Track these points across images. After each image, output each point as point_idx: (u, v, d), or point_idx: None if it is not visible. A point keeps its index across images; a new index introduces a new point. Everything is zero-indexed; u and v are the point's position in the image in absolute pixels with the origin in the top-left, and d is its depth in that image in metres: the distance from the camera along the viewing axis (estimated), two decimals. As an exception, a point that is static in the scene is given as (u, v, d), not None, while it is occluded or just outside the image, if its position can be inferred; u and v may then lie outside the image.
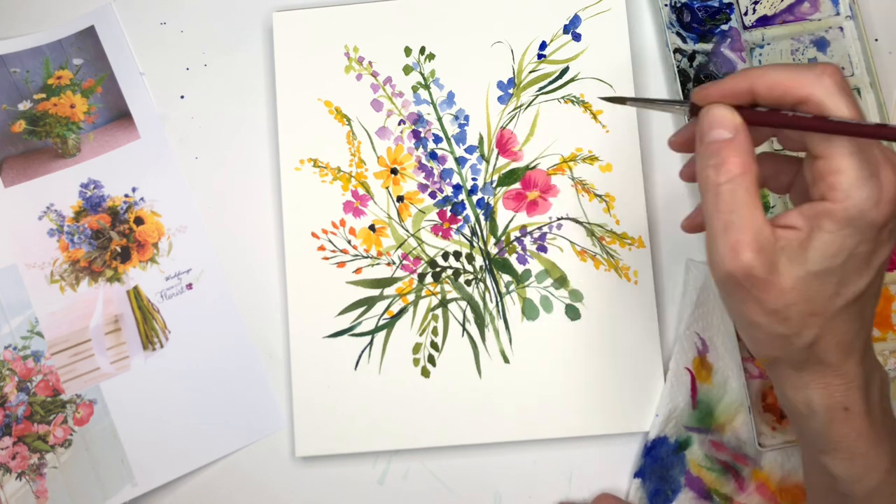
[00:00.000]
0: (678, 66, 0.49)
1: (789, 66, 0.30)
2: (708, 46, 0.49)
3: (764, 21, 0.50)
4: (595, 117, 0.49)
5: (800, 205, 0.30)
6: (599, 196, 0.48)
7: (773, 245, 0.29)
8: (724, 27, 0.50)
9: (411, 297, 0.48)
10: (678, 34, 0.49)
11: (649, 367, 0.47)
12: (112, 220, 0.50)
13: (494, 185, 0.49)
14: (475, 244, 0.48)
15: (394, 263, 0.48)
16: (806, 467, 0.37)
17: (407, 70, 0.49)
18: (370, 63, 0.50)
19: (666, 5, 0.50)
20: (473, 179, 0.49)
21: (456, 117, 0.49)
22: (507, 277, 0.48)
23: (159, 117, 0.51)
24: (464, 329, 0.48)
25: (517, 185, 0.48)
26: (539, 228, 0.48)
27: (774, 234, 0.30)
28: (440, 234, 0.48)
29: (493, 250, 0.48)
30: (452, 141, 0.49)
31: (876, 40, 0.50)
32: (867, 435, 0.32)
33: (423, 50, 0.50)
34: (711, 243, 0.30)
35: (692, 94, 0.32)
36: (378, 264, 0.48)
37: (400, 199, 0.49)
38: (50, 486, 0.48)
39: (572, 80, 0.49)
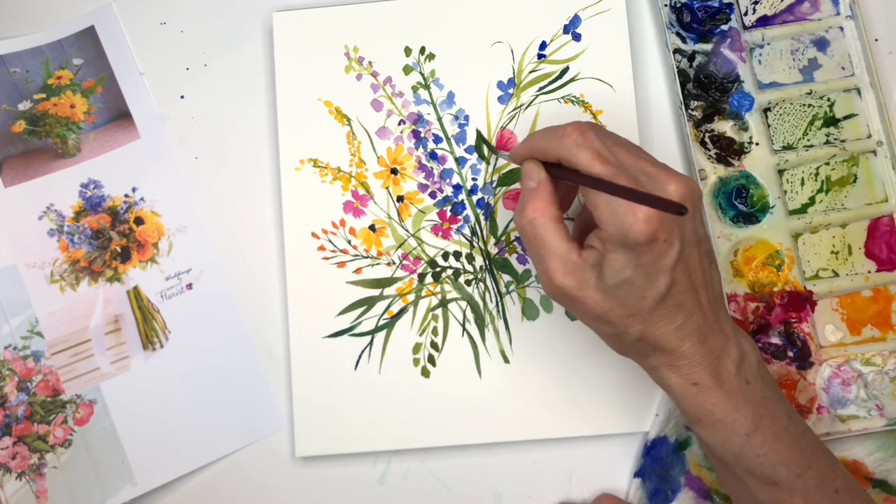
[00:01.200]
0: (678, 66, 0.49)
1: (544, 132, 0.38)
2: (708, 46, 0.49)
3: (764, 21, 0.50)
4: (595, 117, 0.49)
5: (596, 230, 0.37)
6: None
7: (581, 266, 0.36)
8: (724, 27, 0.50)
9: (411, 297, 0.48)
10: (678, 34, 0.50)
11: (649, 367, 0.47)
12: (112, 220, 0.50)
13: (494, 185, 0.49)
14: (475, 244, 0.48)
15: (394, 263, 0.48)
16: None
17: (407, 70, 0.49)
18: (370, 63, 0.50)
19: (666, 5, 0.50)
20: (473, 179, 0.49)
21: (456, 117, 0.49)
22: (507, 277, 0.48)
23: (159, 117, 0.51)
24: (464, 329, 0.48)
25: (517, 185, 0.48)
26: (539, 228, 0.48)
27: (582, 256, 0.36)
28: (440, 234, 0.48)
29: (493, 250, 0.48)
30: (452, 141, 0.49)
31: (876, 40, 0.50)
32: (722, 405, 0.37)
33: (423, 50, 0.50)
34: (537, 271, 0.38)
35: (510, 154, 0.41)
36: (378, 264, 0.48)
37: (400, 199, 0.49)
38: (50, 486, 0.48)
39: (572, 80, 0.49)
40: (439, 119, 0.49)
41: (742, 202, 0.48)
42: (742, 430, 0.37)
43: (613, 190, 0.34)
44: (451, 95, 0.49)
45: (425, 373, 0.47)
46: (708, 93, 0.49)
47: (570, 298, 0.37)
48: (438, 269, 0.48)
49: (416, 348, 0.47)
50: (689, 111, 0.49)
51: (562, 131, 0.37)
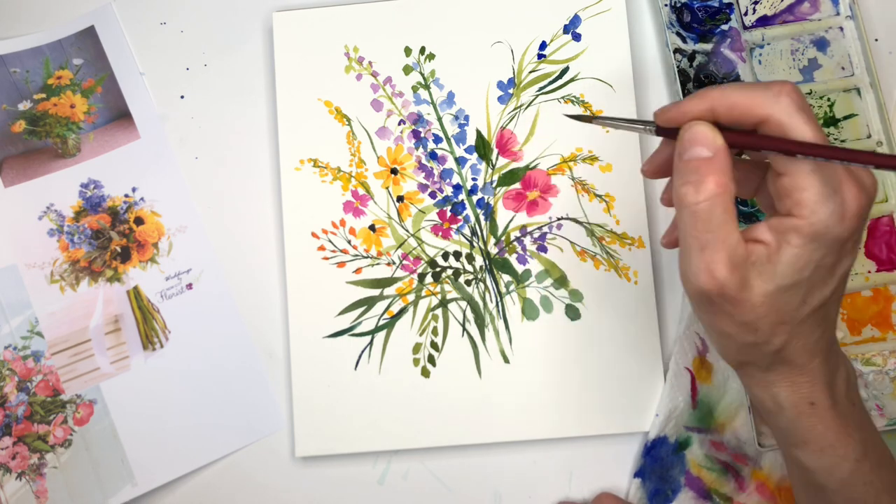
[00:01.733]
0: (678, 66, 0.49)
1: (747, 86, 0.30)
2: (708, 46, 0.49)
3: (764, 21, 0.50)
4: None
5: (767, 218, 0.31)
6: (599, 196, 0.48)
7: (745, 261, 0.30)
8: (724, 27, 0.50)
9: (411, 297, 0.48)
10: (678, 34, 0.50)
11: (649, 367, 0.47)
12: (112, 220, 0.50)
13: (494, 185, 0.49)
14: (475, 244, 0.48)
15: (394, 263, 0.48)
16: (786, 464, 0.38)
17: (407, 70, 0.49)
18: (370, 63, 0.50)
19: (666, 5, 0.50)
20: (473, 179, 0.49)
21: (456, 117, 0.49)
22: (507, 277, 0.48)
23: (159, 117, 0.51)
24: (464, 329, 0.48)
25: (517, 185, 0.48)
26: (539, 228, 0.48)
27: (746, 250, 0.30)
28: (440, 234, 0.48)
29: (493, 250, 0.48)
30: (452, 141, 0.49)
31: (876, 40, 0.50)
32: (834, 427, 0.33)
33: (423, 50, 0.50)
34: (686, 260, 0.31)
35: (655, 115, 0.33)
36: (378, 264, 0.48)
37: (400, 199, 0.49)
38: (50, 486, 0.48)
39: (572, 80, 0.49)
40: (439, 119, 0.49)
41: (742, 202, 0.48)
42: (853, 455, 0.34)
43: (861, 157, 0.27)
44: (451, 95, 0.49)
45: (425, 373, 0.47)
46: (708, 93, 0.49)
47: (723, 299, 0.30)
48: (438, 269, 0.48)
49: (416, 348, 0.47)
50: (689, 111, 0.49)
51: (777, 88, 0.30)
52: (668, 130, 0.32)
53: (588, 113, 0.49)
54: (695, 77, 0.49)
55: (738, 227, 0.30)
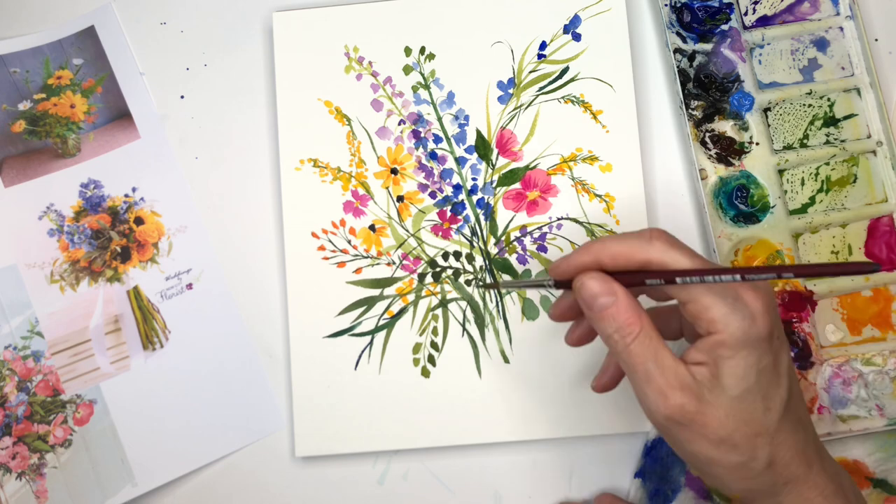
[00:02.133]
0: (678, 66, 0.49)
1: (622, 237, 0.33)
2: (708, 46, 0.49)
3: (764, 21, 0.50)
4: (595, 117, 0.49)
5: (694, 343, 0.33)
6: (599, 196, 0.48)
7: (693, 381, 0.32)
8: (724, 27, 0.50)
9: (411, 297, 0.48)
10: (678, 34, 0.49)
11: (649, 367, 0.47)
12: (112, 220, 0.50)
13: (494, 185, 0.49)
14: (475, 244, 0.48)
15: (394, 263, 0.48)
16: None
17: (407, 70, 0.49)
18: (370, 63, 0.50)
19: (666, 5, 0.50)
20: (473, 179, 0.49)
21: (456, 117, 0.49)
22: (507, 277, 0.48)
23: (159, 117, 0.51)
24: (464, 329, 0.48)
25: (517, 185, 0.48)
26: (539, 228, 0.48)
27: (689, 371, 0.32)
28: (440, 234, 0.48)
29: (493, 250, 0.48)
30: (452, 141, 0.49)
31: (876, 40, 0.50)
32: None
33: (423, 50, 0.50)
34: (641, 395, 0.33)
35: (548, 271, 0.36)
36: (378, 264, 0.48)
37: (400, 199, 0.49)
38: (50, 486, 0.48)
39: (572, 80, 0.49)
40: (439, 119, 0.49)
41: (742, 202, 0.48)
42: None
43: (758, 272, 0.30)
44: (451, 95, 0.49)
45: (425, 373, 0.47)
46: (708, 93, 0.49)
47: (688, 421, 0.32)
48: (438, 269, 0.48)
49: (416, 348, 0.47)
50: (690, 111, 0.49)
51: (648, 234, 0.33)
52: (566, 283, 0.35)
53: (589, 113, 0.49)
54: (695, 77, 0.49)
55: (671, 352, 0.33)
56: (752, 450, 0.32)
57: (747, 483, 0.33)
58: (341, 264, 0.48)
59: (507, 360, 0.47)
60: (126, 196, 0.50)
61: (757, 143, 0.48)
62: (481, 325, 0.48)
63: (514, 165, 0.49)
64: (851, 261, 0.29)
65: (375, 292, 0.48)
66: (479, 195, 0.49)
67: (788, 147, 0.48)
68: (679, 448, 0.34)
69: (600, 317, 0.34)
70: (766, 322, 0.31)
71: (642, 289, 0.36)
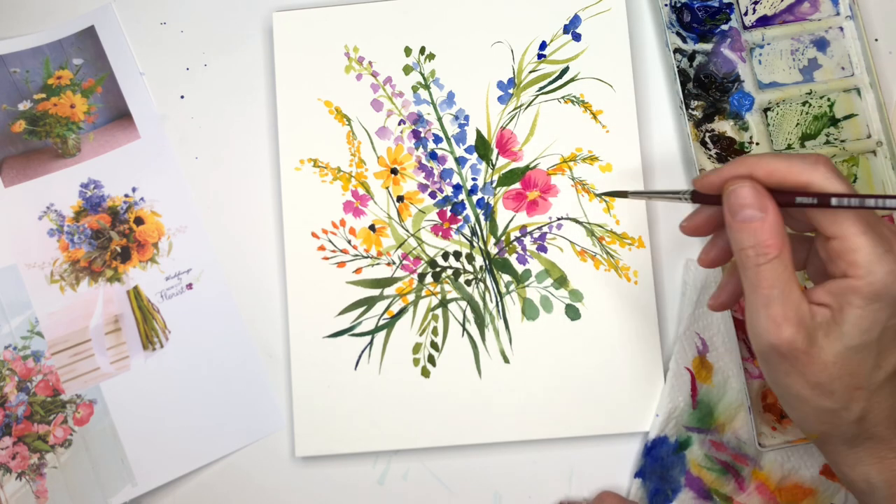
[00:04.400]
0: (678, 66, 0.49)
1: (785, 156, 0.32)
2: (708, 46, 0.49)
3: (764, 21, 0.50)
4: (595, 117, 0.49)
5: (822, 282, 0.31)
6: (599, 196, 0.48)
7: (811, 320, 0.31)
8: (724, 27, 0.50)
9: (411, 297, 0.48)
10: (678, 34, 0.49)
11: (649, 367, 0.47)
12: (112, 220, 0.50)
13: (494, 185, 0.49)
14: (475, 244, 0.48)
15: (394, 263, 0.48)
16: None
17: (407, 70, 0.49)
18: (370, 63, 0.50)
19: (666, 5, 0.50)
20: (473, 179, 0.49)
21: (456, 117, 0.49)
22: (507, 277, 0.48)
23: (159, 117, 0.51)
24: (464, 329, 0.48)
25: (517, 185, 0.48)
26: (539, 228, 0.48)
27: (811, 310, 0.31)
28: (440, 234, 0.48)
29: (493, 250, 0.48)
30: (452, 141, 0.49)
31: (876, 40, 0.50)
32: None
33: (423, 50, 0.50)
34: (753, 317, 0.32)
35: (693, 183, 0.34)
36: (378, 264, 0.48)
37: (400, 199, 0.49)
38: (50, 486, 0.48)
39: (572, 80, 0.49)
40: (439, 119, 0.49)
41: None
42: None
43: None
44: (451, 95, 0.49)
45: (425, 373, 0.47)
46: (708, 92, 0.49)
47: (793, 355, 0.31)
48: (438, 269, 0.48)
49: (416, 348, 0.47)
50: (690, 111, 0.49)
51: (814, 158, 0.31)
52: (706, 197, 0.34)
53: (589, 113, 0.49)
54: (695, 77, 0.49)
55: (800, 286, 0.31)
56: (847, 401, 0.31)
57: (830, 428, 0.33)
58: (341, 264, 0.48)
59: (507, 360, 0.47)
60: (126, 196, 0.50)
61: (757, 143, 0.48)
62: (481, 325, 0.48)
63: (514, 165, 0.49)
64: None
65: (375, 292, 0.48)
66: (479, 195, 0.49)
67: (788, 147, 0.48)
68: (772, 378, 0.33)
69: (742, 227, 0.32)
70: None
71: (787, 212, 0.34)
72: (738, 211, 0.32)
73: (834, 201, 0.29)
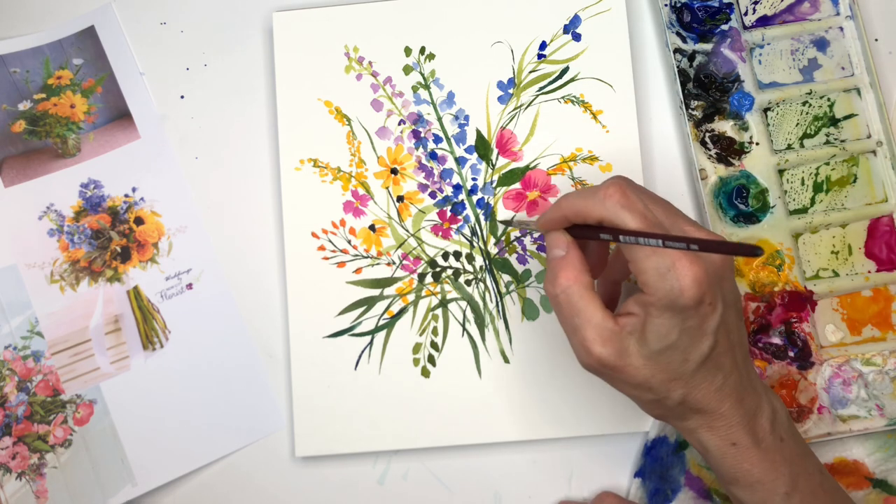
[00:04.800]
0: (678, 66, 0.49)
1: (582, 193, 0.36)
2: (708, 46, 0.49)
3: (764, 21, 0.50)
4: (595, 117, 0.49)
5: (635, 293, 0.36)
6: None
7: (618, 334, 0.35)
8: (724, 27, 0.50)
9: (411, 297, 0.48)
10: (678, 34, 0.49)
11: (649, 367, 0.47)
12: (112, 220, 0.50)
13: (494, 185, 0.49)
14: (475, 244, 0.48)
15: (394, 263, 0.48)
16: (731, 499, 0.41)
17: (407, 70, 0.49)
18: (370, 63, 0.50)
19: (666, 5, 0.50)
20: (473, 179, 0.49)
21: (456, 117, 0.49)
22: (507, 277, 0.48)
23: (159, 117, 0.51)
24: (464, 329, 0.48)
25: (517, 185, 0.48)
26: (539, 228, 0.48)
27: (619, 324, 0.35)
28: (440, 234, 0.48)
29: (493, 250, 0.48)
30: (452, 141, 0.49)
31: (876, 40, 0.50)
32: (760, 464, 0.37)
33: (423, 50, 0.50)
34: (571, 343, 0.37)
35: (537, 224, 0.39)
36: (378, 264, 0.48)
37: (400, 199, 0.49)
38: (50, 486, 0.48)
39: (572, 80, 0.49)
40: (439, 119, 0.49)
41: (742, 202, 0.48)
42: (782, 488, 0.37)
43: (675, 241, 0.32)
44: (451, 95, 0.49)
45: (425, 373, 0.47)
46: (708, 92, 0.49)
47: (609, 368, 0.35)
48: (438, 269, 0.48)
49: (416, 348, 0.47)
50: (690, 111, 0.49)
51: (603, 192, 0.35)
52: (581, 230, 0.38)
53: (589, 113, 0.49)
54: (695, 77, 0.49)
55: (602, 307, 0.35)
56: (667, 391, 0.36)
57: (663, 412, 0.38)
58: (341, 264, 0.48)
59: (507, 360, 0.47)
60: (126, 196, 0.50)
61: (757, 143, 0.49)
62: (481, 325, 0.48)
63: (514, 165, 0.49)
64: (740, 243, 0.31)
65: (375, 292, 0.48)
66: (479, 195, 0.49)
67: (788, 147, 0.49)
68: (609, 384, 0.38)
69: (548, 266, 0.37)
70: (694, 292, 0.33)
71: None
72: (548, 252, 0.38)
73: (622, 238, 0.34)
